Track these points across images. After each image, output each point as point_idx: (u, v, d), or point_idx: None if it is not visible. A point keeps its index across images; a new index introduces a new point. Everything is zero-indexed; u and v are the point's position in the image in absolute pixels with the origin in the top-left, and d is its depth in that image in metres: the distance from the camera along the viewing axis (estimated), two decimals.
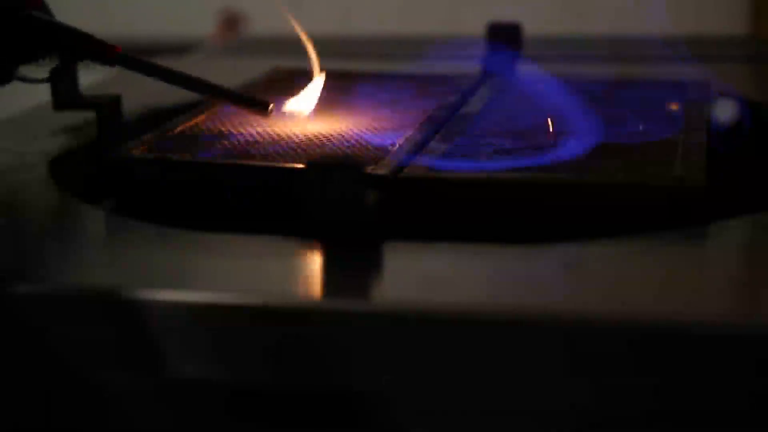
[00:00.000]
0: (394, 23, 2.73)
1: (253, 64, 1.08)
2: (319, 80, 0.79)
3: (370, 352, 0.51)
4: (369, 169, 0.65)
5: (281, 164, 0.67)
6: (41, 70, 0.74)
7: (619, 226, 0.63)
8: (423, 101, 0.82)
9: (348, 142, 0.72)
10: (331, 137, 0.73)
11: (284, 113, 0.75)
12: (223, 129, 0.75)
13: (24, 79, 0.73)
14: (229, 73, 1.03)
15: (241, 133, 0.74)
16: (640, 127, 0.74)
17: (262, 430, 0.53)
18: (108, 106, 0.76)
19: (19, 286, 0.54)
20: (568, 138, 0.72)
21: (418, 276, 0.54)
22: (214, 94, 0.75)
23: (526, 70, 1.01)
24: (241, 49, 1.20)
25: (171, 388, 0.53)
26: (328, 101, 0.83)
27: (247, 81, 0.95)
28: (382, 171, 0.65)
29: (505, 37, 0.95)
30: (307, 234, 0.60)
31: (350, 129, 0.75)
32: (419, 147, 0.71)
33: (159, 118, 0.90)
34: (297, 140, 0.72)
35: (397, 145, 0.70)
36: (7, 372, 0.55)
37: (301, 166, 0.66)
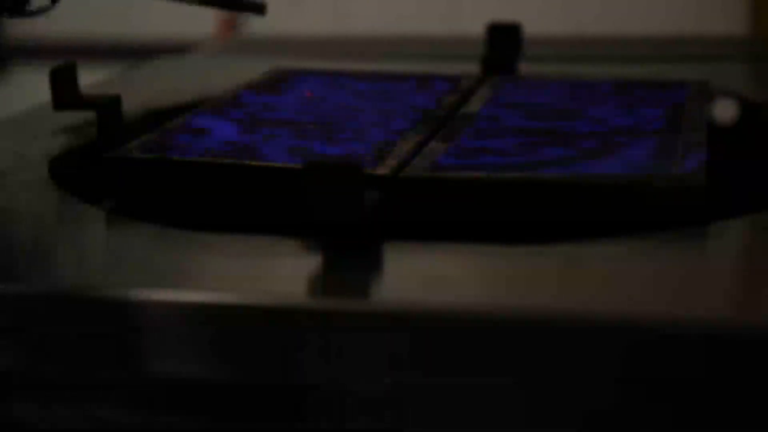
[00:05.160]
0: (393, 23, 2.73)
1: (253, 64, 1.08)
2: None
3: (370, 352, 0.51)
4: (369, 169, 0.65)
5: (281, 164, 0.67)
6: None
7: (619, 226, 0.63)
8: (423, 101, 0.82)
9: (348, 141, 0.72)
10: (330, 137, 0.73)
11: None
12: (222, 128, 0.76)
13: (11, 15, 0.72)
14: (229, 73, 1.03)
15: (241, 132, 0.74)
16: (640, 127, 0.75)
17: (261, 428, 0.53)
18: (108, 106, 0.76)
19: (19, 286, 0.54)
20: (568, 138, 0.72)
21: (418, 276, 0.54)
22: (205, 1, 0.74)
23: (526, 70, 1.01)
24: (241, 49, 1.20)
25: (171, 387, 0.54)
26: (327, 100, 0.83)
27: (247, 81, 0.95)
28: (382, 171, 0.65)
29: (505, 37, 0.95)
30: (307, 234, 0.60)
31: (350, 128, 0.75)
32: (419, 147, 0.71)
33: (159, 118, 0.90)
34: (297, 140, 0.72)
35: (397, 145, 0.71)
36: (6, 371, 0.55)
37: (300, 166, 0.66)
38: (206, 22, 2.87)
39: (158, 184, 0.69)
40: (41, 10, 0.71)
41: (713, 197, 0.77)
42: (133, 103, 0.92)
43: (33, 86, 2.96)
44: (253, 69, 1.05)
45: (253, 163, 0.67)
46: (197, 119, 0.78)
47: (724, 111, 0.90)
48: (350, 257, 0.56)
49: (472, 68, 1.03)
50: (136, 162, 0.69)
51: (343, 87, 0.87)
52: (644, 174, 0.64)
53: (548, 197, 0.63)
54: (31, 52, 2.94)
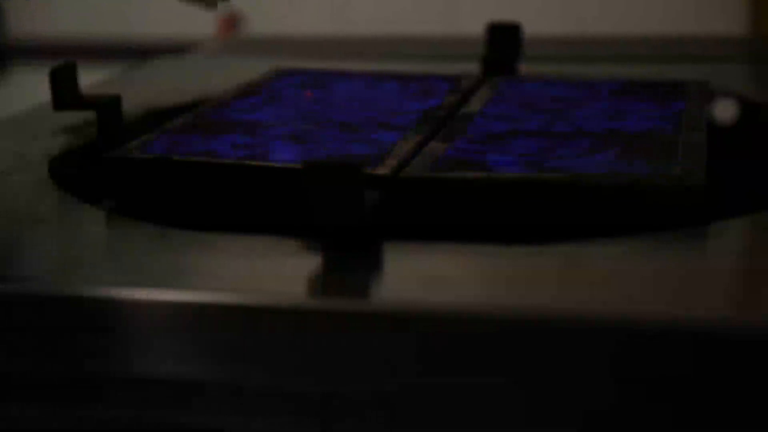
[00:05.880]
0: (391, 22, 2.73)
1: (253, 64, 1.08)
2: None
3: (370, 352, 0.51)
4: (369, 169, 0.65)
5: (281, 164, 0.67)
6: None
7: (619, 226, 0.63)
8: (423, 101, 0.82)
9: (348, 141, 0.72)
10: (330, 137, 0.73)
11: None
12: (221, 129, 0.76)
13: None
14: (229, 73, 1.03)
15: (241, 132, 0.74)
16: (640, 127, 0.74)
17: (261, 428, 0.53)
18: (108, 106, 0.76)
19: (18, 286, 0.54)
20: (568, 138, 0.72)
21: (418, 276, 0.54)
22: None
23: (526, 70, 1.01)
24: (241, 49, 1.20)
25: (170, 387, 0.54)
26: (327, 101, 0.83)
27: (246, 81, 0.95)
28: (382, 171, 0.65)
29: (505, 37, 0.95)
30: (306, 234, 0.60)
31: (350, 128, 0.75)
32: (419, 147, 0.71)
33: (159, 118, 0.90)
34: (295, 140, 0.72)
35: (397, 145, 0.71)
36: (5, 371, 0.55)
37: (300, 166, 0.66)
38: (206, 22, 2.87)
39: (158, 184, 0.69)
40: None
41: (713, 197, 0.77)
42: (133, 103, 0.92)
43: (33, 86, 2.96)
44: (253, 69, 1.05)
45: (253, 163, 0.67)
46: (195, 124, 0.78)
47: (724, 111, 0.90)
48: (350, 257, 0.56)
49: (472, 68, 1.03)
50: (136, 162, 0.69)
51: (343, 87, 0.87)
52: (644, 174, 0.64)
53: (548, 197, 0.63)
54: (31, 52, 2.94)
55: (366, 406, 0.52)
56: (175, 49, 2.89)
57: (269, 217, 0.68)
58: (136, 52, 2.89)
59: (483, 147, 0.70)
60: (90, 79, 2.93)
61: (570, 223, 0.63)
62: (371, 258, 0.56)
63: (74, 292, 0.53)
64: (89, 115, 0.88)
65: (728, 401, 0.48)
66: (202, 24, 2.87)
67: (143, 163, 0.69)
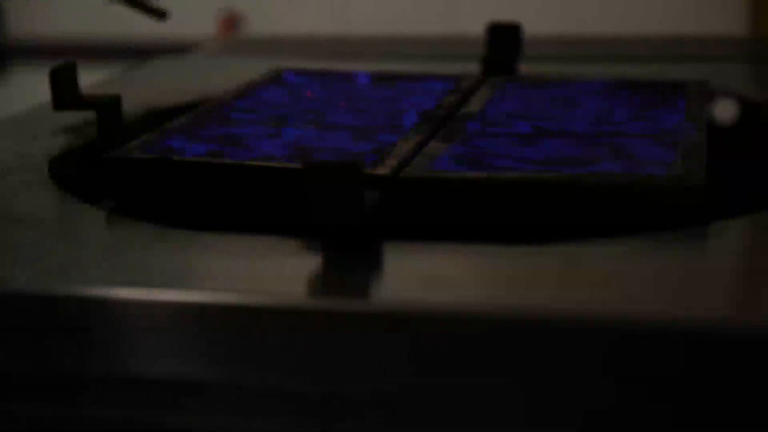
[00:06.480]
0: (391, 22, 2.73)
1: (253, 64, 1.08)
2: None
3: (370, 352, 0.51)
4: (369, 169, 0.65)
5: (281, 164, 0.67)
6: None
7: (619, 226, 0.63)
8: (423, 101, 0.82)
9: (348, 141, 0.72)
10: (330, 137, 0.73)
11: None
12: (221, 129, 0.76)
13: None
14: (229, 73, 1.03)
15: (241, 133, 0.74)
16: (640, 127, 0.74)
17: (260, 428, 0.53)
18: (108, 106, 0.76)
19: (18, 286, 0.54)
20: (568, 138, 0.72)
21: (418, 276, 0.54)
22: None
23: (526, 70, 1.01)
24: (241, 49, 1.20)
25: (170, 387, 0.54)
26: (326, 101, 0.83)
27: (247, 81, 0.95)
28: (382, 171, 0.65)
29: (505, 37, 0.95)
30: (306, 234, 0.60)
31: (350, 128, 0.75)
32: (419, 147, 0.71)
33: (159, 118, 0.90)
34: (296, 140, 0.72)
35: (397, 145, 0.71)
36: (6, 371, 0.55)
37: (300, 166, 0.66)
38: (206, 22, 2.87)
39: (158, 184, 0.69)
40: None
41: (713, 197, 0.77)
42: (133, 103, 0.92)
43: (33, 86, 2.96)
44: (253, 69, 1.05)
45: (253, 163, 0.67)
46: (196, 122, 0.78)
47: (724, 111, 0.90)
48: (350, 257, 0.56)
49: (472, 68, 1.03)
50: (136, 162, 0.69)
51: (343, 87, 0.87)
52: (644, 174, 0.64)
53: (548, 197, 0.63)
54: (31, 52, 2.94)
55: (366, 406, 0.52)
56: (175, 49, 2.89)
57: (269, 217, 0.68)
58: (136, 52, 2.89)
59: (482, 147, 0.70)
60: (90, 79, 2.93)
61: (570, 223, 0.63)
62: (371, 258, 0.56)
63: (74, 292, 0.53)
64: (89, 115, 0.88)
65: (728, 401, 0.48)
66: (202, 24, 2.87)
67: (143, 163, 0.69)
